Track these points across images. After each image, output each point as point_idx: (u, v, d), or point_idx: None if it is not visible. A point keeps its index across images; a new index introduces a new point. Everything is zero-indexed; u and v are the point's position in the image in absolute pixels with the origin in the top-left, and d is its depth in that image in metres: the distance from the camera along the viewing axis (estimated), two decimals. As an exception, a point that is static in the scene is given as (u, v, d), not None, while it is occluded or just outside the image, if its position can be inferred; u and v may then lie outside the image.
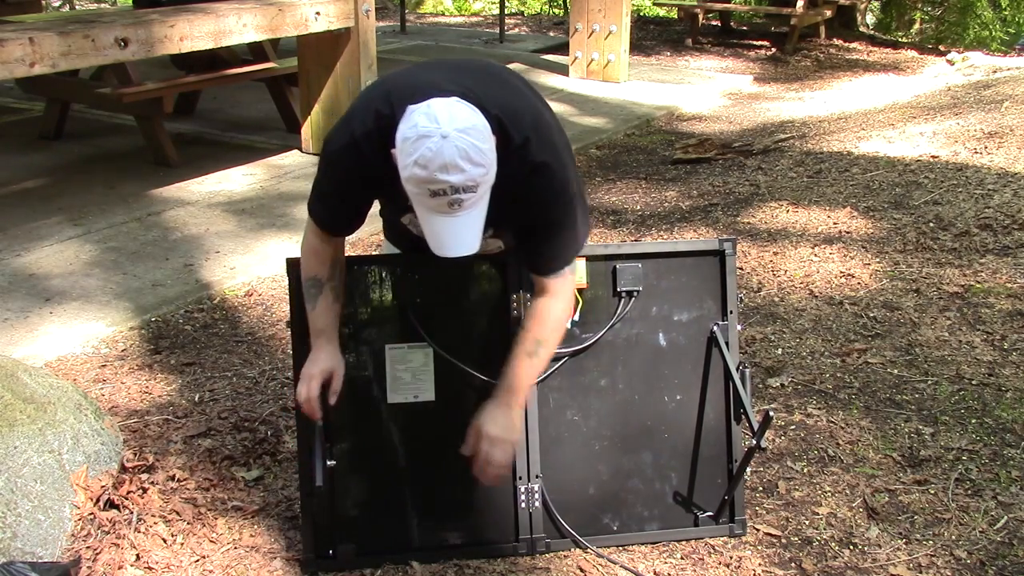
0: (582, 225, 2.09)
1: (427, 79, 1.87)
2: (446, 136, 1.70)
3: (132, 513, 2.41)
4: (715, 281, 2.43)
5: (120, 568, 2.25)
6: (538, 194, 1.94)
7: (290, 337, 2.30)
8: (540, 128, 1.93)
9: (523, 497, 2.36)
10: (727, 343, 2.41)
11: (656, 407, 2.43)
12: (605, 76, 8.32)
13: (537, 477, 2.36)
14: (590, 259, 2.33)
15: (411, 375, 2.30)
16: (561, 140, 2.00)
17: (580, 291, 2.32)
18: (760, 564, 2.36)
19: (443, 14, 16.06)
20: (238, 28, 4.72)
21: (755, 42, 10.85)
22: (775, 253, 4.24)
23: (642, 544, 2.43)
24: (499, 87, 1.94)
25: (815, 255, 4.20)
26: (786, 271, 4.06)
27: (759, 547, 2.42)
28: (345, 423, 2.30)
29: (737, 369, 2.37)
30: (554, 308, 2.09)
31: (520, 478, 2.35)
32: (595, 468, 2.41)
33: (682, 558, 2.39)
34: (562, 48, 9.27)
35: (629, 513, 2.43)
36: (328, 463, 2.17)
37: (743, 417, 2.35)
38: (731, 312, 2.43)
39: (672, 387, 2.43)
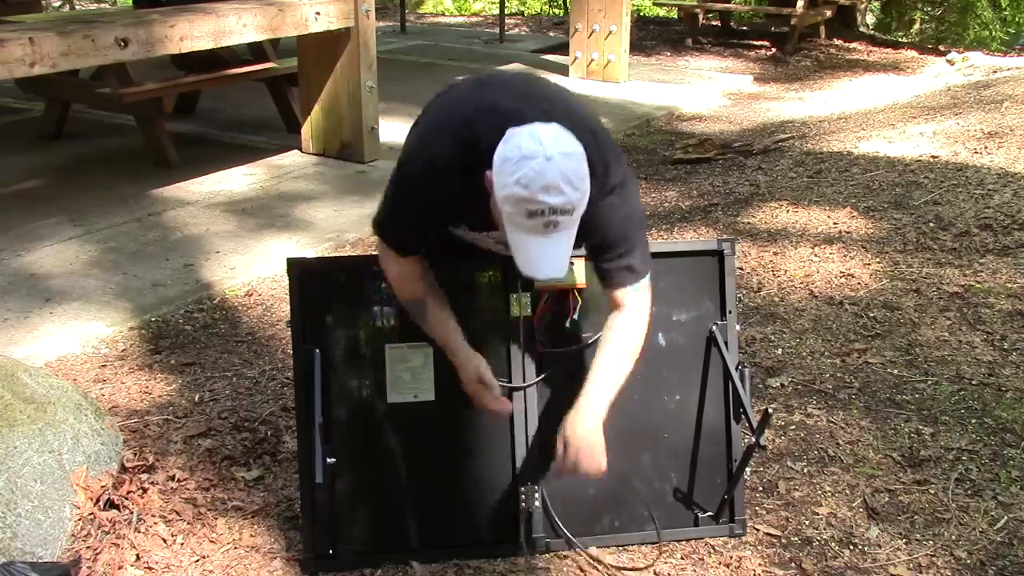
0: (644, 240, 2.09)
1: (507, 106, 1.88)
2: (550, 158, 1.72)
3: (132, 513, 2.41)
4: (714, 281, 2.43)
5: (120, 568, 2.25)
6: (611, 212, 1.97)
7: (290, 337, 2.30)
8: (612, 153, 1.99)
9: (523, 497, 2.36)
10: (726, 343, 2.41)
11: (656, 407, 2.43)
12: (605, 76, 8.31)
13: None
14: (590, 258, 2.33)
15: (411, 375, 2.31)
16: (617, 151, 2.04)
17: (579, 291, 2.32)
18: (760, 564, 2.36)
19: (443, 14, 16.07)
20: (238, 28, 4.72)
21: (755, 42, 10.85)
22: (775, 253, 4.24)
23: (642, 544, 2.43)
24: (568, 111, 1.96)
25: (815, 255, 4.19)
26: (786, 271, 4.06)
27: (759, 547, 2.43)
28: (345, 423, 2.31)
29: (736, 369, 2.37)
30: (634, 322, 2.08)
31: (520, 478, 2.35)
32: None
33: (682, 558, 2.39)
34: (562, 48, 9.27)
35: (629, 513, 2.43)
36: (328, 460, 2.17)
37: (743, 417, 2.36)
38: (730, 312, 2.43)
39: (671, 387, 2.43)
